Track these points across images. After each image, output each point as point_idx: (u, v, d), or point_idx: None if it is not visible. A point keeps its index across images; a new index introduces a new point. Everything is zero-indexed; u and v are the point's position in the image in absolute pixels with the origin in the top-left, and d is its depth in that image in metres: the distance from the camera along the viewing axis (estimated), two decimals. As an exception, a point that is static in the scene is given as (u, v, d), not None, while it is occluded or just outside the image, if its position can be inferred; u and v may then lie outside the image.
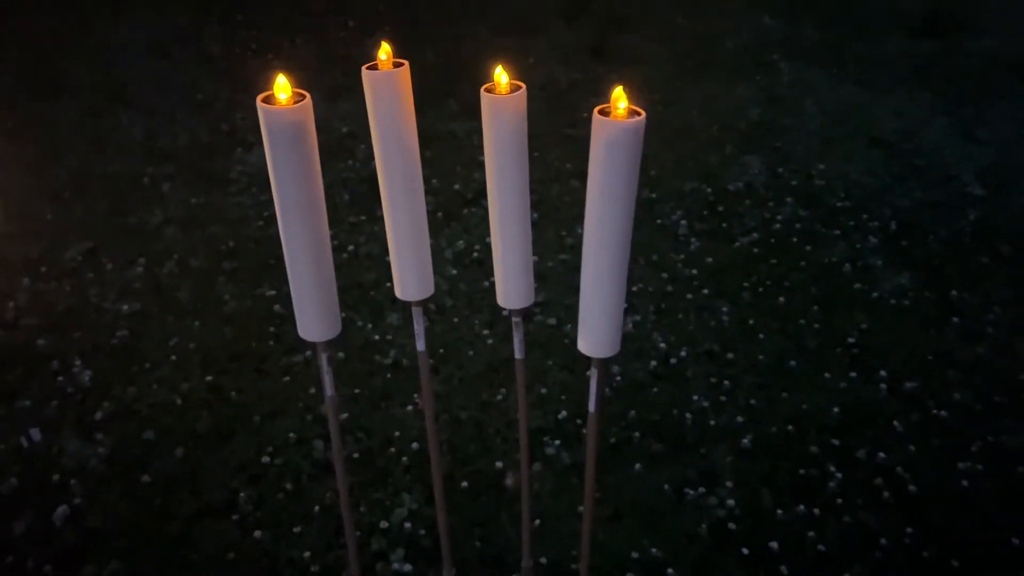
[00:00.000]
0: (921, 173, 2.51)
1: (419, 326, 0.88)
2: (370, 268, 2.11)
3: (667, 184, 2.41)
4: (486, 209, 2.47)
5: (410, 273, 0.84)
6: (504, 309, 0.89)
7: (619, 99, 0.69)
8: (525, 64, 3.14)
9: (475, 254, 2.14)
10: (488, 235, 2.30)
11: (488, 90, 0.78)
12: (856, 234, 2.22)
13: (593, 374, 0.81)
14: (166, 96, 2.93)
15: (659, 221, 2.26)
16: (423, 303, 0.87)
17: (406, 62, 0.77)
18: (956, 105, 2.87)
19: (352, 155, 2.57)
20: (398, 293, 0.86)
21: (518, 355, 0.92)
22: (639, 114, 0.69)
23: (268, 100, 0.68)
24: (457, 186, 2.41)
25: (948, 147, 2.64)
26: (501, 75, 0.78)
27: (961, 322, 1.94)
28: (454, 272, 2.08)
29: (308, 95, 0.68)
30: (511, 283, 0.86)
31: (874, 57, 3.22)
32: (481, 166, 2.50)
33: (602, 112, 0.70)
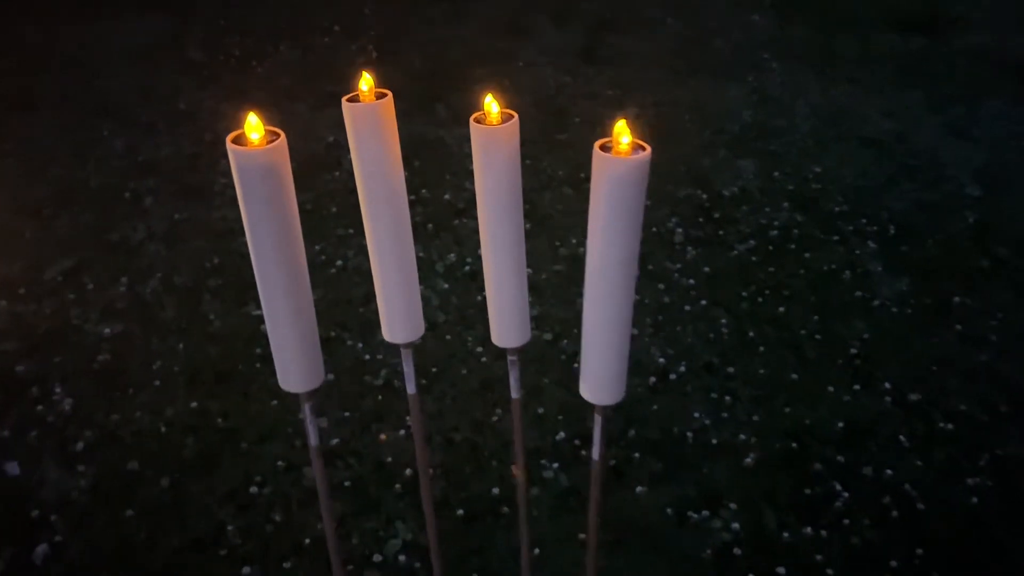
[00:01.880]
0: (916, 174, 2.47)
1: (409, 368, 0.83)
2: (359, 283, 2.05)
3: (661, 190, 2.37)
4: (477, 220, 2.40)
5: (398, 314, 0.79)
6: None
7: (622, 133, 0.64)
8: (514, 68, 3.08)
9: (467, 267, 2.09)
10: (481, 247, 2.23)
11: (478, 120, 0.73)
12: (854, 239, 2.18)
13: (597, 421, 0.76)
14: (148, 106, 2.87)
15: (654, 228, 2.22)
16: (412, 345, 0.82)
17: (389, 92, 0.72)
18: (947, 103, 2.83)
19: (339, 165, 2.51)
20: (386, 335, 0.81)
21: (515, 395, 0.87)
22: (643, 148, 0.64)
23: (239, 140, 0.63)
24: (447, 196, 2.36)
25: (941, 147, 2.60)
26: (492, 104, 0.73)
27: (963, 329, 1.90)
28: (445, 286, 2.03)
29: (282, 133, 0.63)
30: (506, 321, 0.81)
31: (864, 55, 3.18)
32: (472, 175, 2.45)
33: (603, 148, 0.65)
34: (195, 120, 2.78)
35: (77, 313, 1.96)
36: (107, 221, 2.29)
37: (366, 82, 0.71)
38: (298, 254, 0.66)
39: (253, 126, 0.62)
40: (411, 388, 0.84)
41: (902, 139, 2.64)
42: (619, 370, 0.72)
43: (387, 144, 0.72)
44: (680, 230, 2.21)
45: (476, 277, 2.07)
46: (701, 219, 2.26)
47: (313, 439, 0.78)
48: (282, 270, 0.66)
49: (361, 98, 0.71)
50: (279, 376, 0.74)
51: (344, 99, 0.71)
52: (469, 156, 2.56)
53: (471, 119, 0.73)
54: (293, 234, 0.65)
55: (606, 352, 0.71)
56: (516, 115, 0.73)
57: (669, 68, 3.09)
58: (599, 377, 0.72)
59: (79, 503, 1.52)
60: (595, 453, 0.78)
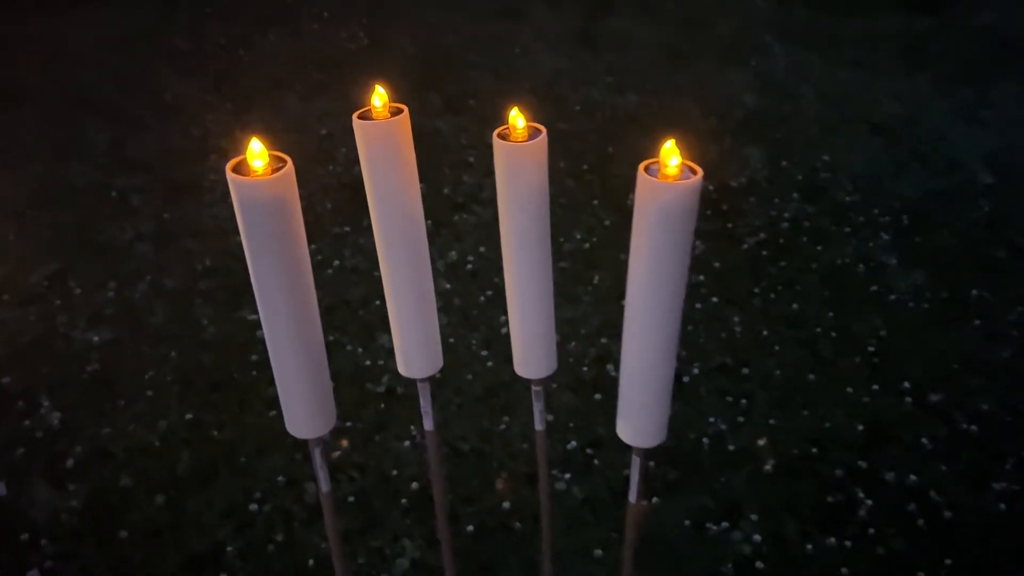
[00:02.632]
0: (926, 161, 2.40)
1: (426, 404, 0.76)
2: (357, 283, 1.98)
3: (666, 181, 2.29)
4: (478, 215, 2.33)
5: (416, 348, 0.72)
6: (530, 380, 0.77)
7: (670, 155, 0.57)
8: (509, 54, 3.00)
9: (469, 265, 2.02)
10: (483, 245, 2.16)
11: (502, 136, 0.66)
12: (867, 230, 2.12)
13: (634, 463, 0.70)
14: (132, 99, 2.77)
15: (660, 222, 2.14)
16: (430, 379, 0.75)
17: (406, 108, 0.65)
18: (956, 85, 2.77)
19: (333, 159, 2.43)
20: (402, 370, 0.74)
21: (539, 426, 0.80)
22: (694, 172, 0.57)
23: (240, 168, 0.55)
24: (446, 190, 2.29)
25: (952, 131, 2.54)
26: (517, 118, 0.65)
27: (983, 324, 1.84)
28: (447, 286, 1.96)
29: (289, 160, 0.56)
30: (531, 351, 0.74)
31: (868, 36, 3.10)
32: (471, 167, 2.37)
33: (648, 170, 0.58)
34: (182, 113, 2.68)
35: (64, 320, 1.89)
36: (93, 221, 2.20)
37: (379, 97, 0.63)
38: (308, 293, 0.59)
39: (256, 153, 0.54)
40: (428, 424, 0.78)
41: (911, 124, 2.57)
42: (662, 412, 0.65)
43: (404, 166, 0.64)
44: (687, 223, 2.14)
45: (478, 275, 2.00)
46: (709, 211, 2.19)
47: (324, 485, 0.71)
48: (290, 311, 0.59)
49: (374, 114, 0.64)
50: (287, 421, 0.67)
51: (355, 116, 0.64)
52: (466, 147, 2.49)
53: (494, 135, 0.66)
54: (303, 273, 0.58)
55: (649, 393, 0.64)
56: (544, 130, 0.66)
57: (669, 52, 3.01)
58: (640, 419, 0.66)
59: (70, 525, 1.45)
60: (632, 495, 0.72)
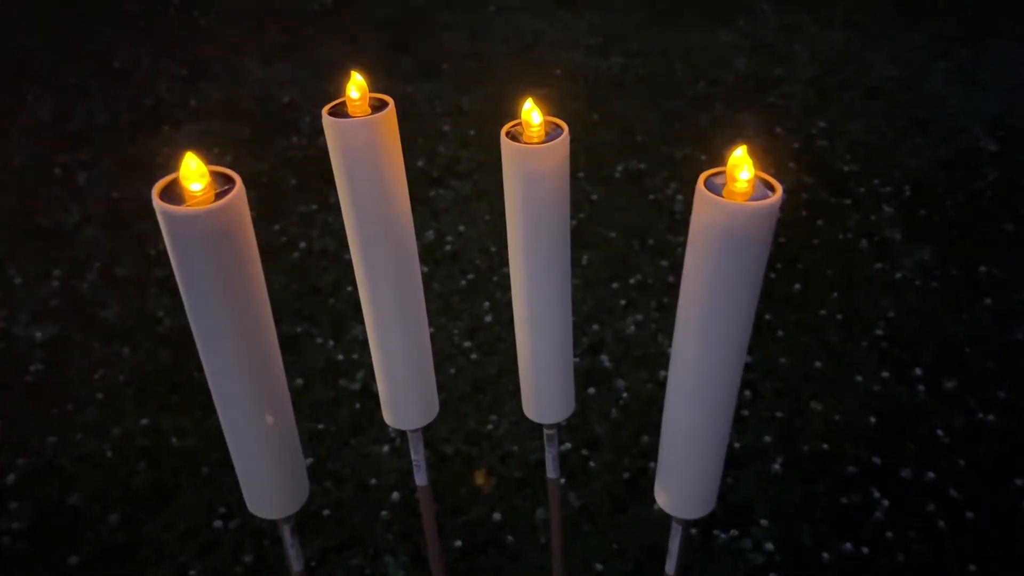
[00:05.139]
0: (927, 127, 2.29)
1: (418, 456, 0.63)
2: (327, 268, 1.83)
3: (656, 151, 2.16)
4: (455, 190, 2.17)
5: (406, 395, 0.58)
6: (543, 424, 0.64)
7: (740, 166, 0.44)
8: (485, 13, 2.82)
9: (448, 246, 1.88)
10: (462, 223, 2.00)
11: (512, 136, 0.52)
12: (868, 202, 2.00)
13: (675, 532, 0.57)
14: (77, 65, 2.56)
15: (652, 196, 2.01)
16: (423, 429, 0.62)
17: (391, 100, 0.50)
18: (952, 46, 2.65)
19: (296, 128, 2.26)
20: (388, 420, 0.61)
21: (551, 474, 0.68)
22: (773, 188, 0.44)
23: (172, 192, 0.41)
24: (420, 163, 2.13)
25: (951, 95, 2.42)
26: (532, 112, 0.51)
27: (994, 303, 1.74)
28: (425, 270, 1.81)
29: (238, 179, 0.41)
30: (544, 392, 0.61)
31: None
32: (447, 138, 2.22)
33: (710, 185, 0.44)
34: (132, 81, 2.49)
35: (3, 315, 1.72)
36: (34, 203, 2.02)
37: (357, 87, 0.49)
38: (268, 351, 0.45)
39: (193, 171, 0.40)
40: (421, 479, 0.64)
41: (908, 87, 2.45)
42: (713, 478, 0.53)
43: (390, 173, 0.50)
44: (680, 197, 2.01)
45: (458, 257, 1.86)
46: (702, 184, 2.06)
47: (297, 565, 0.58)
48: (244, 375, 0.45)
49: (350, 108, 0.49)
50: (247, 499, 0.53)
51: (325, 111, 0.50)
52: (441, 115, 2.33)
53: (502, 133, 0.52)
54: (260, 324, 0.44)
55: (697, 458, 0.51)
56: (566, 127, 0.52)
57: (653, 11, 2.85)
58: (685, 486, 0.53)
59: (14, 551, 1.31)
60: (669, 568, 0.60)
